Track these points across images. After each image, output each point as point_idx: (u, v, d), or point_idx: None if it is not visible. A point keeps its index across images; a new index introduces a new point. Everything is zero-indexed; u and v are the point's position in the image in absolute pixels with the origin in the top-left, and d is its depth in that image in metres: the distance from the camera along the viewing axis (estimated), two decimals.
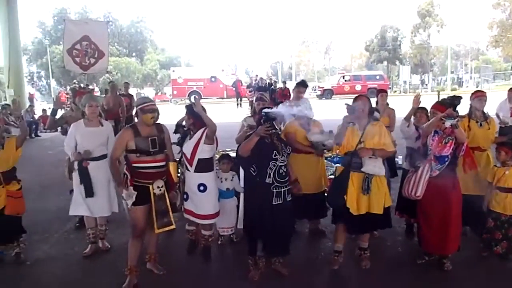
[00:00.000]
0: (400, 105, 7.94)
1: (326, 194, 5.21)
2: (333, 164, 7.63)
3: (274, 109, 4.18)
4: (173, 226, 4.34)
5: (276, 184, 4.11)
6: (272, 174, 4.09)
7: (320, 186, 5.37)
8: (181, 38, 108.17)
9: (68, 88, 26.02)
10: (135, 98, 11.51)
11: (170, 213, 4.27)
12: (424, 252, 4.66)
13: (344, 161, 4.48)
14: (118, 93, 10.93)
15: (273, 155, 4.10)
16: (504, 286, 4.34)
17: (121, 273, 4.33)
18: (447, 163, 4.30)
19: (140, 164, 4.12)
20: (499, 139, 5.31)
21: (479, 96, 5.13)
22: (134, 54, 56.94)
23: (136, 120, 4.40)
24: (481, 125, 5.09)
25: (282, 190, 4.15)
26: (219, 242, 5.32)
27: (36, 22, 52.78)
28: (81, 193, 4.93)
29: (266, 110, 4.17)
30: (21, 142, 4.89)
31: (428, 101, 5.48)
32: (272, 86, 23.30)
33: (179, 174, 5.39)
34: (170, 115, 9.07)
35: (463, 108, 4.87)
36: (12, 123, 12.70)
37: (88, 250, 5.13)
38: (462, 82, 51.27)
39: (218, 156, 5.47)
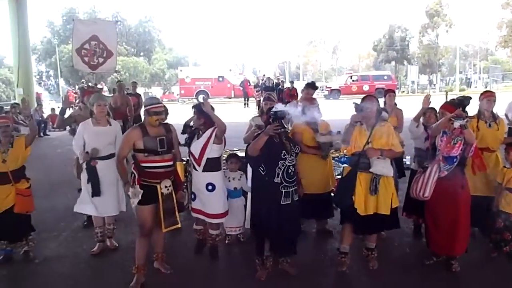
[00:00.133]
0: (408, 105, 7.91)
1: (332, 194, 5.20)
2: (340, 164, 7.61)
3: (283, 106, 4.18)
4: (179, 225, 4.36)
5: (285, 183, 4.11)
6: (280, 173, 4.09)
7: (327, 186, 5.36)
8: (189, 37, 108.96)
9: (77, 87, 26.11)
10: (143, 98, 11.55)
11: (177, 212, 4.29)
12: (432, 253, 4.64)
13: (351, 161, 4.47)
14: (126, 93, 10.97)
15: (282, 154, 4.10)
16: None
17: (129, 272, 4.35)
18: (455, 163, 4.27)
19: (148, 163, 4.14)
20: (508, 140, 5.29)
21: (488, 96, 5.09)
22: (142, 53, 57.13)
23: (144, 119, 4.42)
24: (490, 125, 5.04)
25: (291, 190, 4.15)
26: (226, 242, 5.32)
27: (45, 22, 53.07)
28: (88, 192, 4.96)
29: (274, 109, 4.17)
30: (30, 141, 4.93)
31: (436, 102, 5.46)
32: (280, 86, 23.28)
33: (187, 174, 5.41)
34: (178, 114, 9.09)
35: (472, 109, 4.84)
36: (22, 122, 12.85)
37: (96, 248, 5.16)
38: (471, 82, 50.96)
39: (225, 155, 5.48)
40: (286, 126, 4.29)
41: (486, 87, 38.50)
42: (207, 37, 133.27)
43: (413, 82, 43.29)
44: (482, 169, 4.71)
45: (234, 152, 6.16)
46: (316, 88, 6.12)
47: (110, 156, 4.92)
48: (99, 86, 11.52)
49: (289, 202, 4.14)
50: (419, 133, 5.28)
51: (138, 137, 4.13)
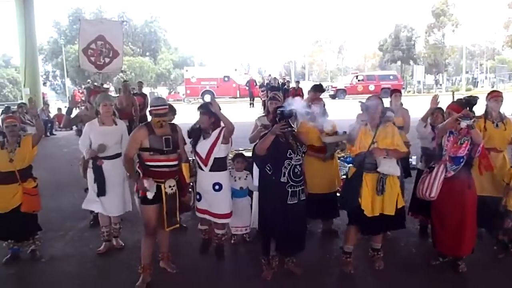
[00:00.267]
0: (414, 105, 7.87)
1: (338, 195, 5.19)
2: (346, 164, 7.60)
3: (289, 103, 4.16)
4: (177, 226, 4.40)
5: (291, 183, 4.10)
6: (287, 173, 4.08)
7: (333, 186, 5.35)
8: (195, 37, 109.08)
9: (83, 87, 26.17)
10: (149, 97, 11.57)
11: (177, 212, 4.31)
12: (438, 253, 4.61)
13: (356, 162, 4.45)
14: (132, 93, 10.99)
15: (288, 154, 4.09)
16: None
17: (135, 271, 4.37)
18: (462, 164, 4.25)
19: (153, 162, 4.15)
20: None
21: (495, 96, 5.05)
22: (147, 53, 57.26)
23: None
24: (497, 125, 5.01)
25: (297, 189, 4.14)
26: (232, 241, 5.32)
27: (51, 22, 53.37)
28: (94, 191, 4.98)
29: (281, 108, 4.16)
30: (37, 140, 4.95)
31: (442, 101, 5.43)
32: (285, 86, 23.25)
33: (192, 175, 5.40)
34: (183, 114, 9.09)
35: (479, 109, 4.82)
36: (28, 121, 12.91)
37: (102, 248, 5.18)
38: (477, 82, 50.70)
39: (231, 155, 5.48)
40: (292, 125, 4.27)
41: (492, 87, 38.27)
42: (213, 37, 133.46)
43: (419, 82, 43.09)
44: (489, 169, 4.68)
45: (240, 151, 6.16)
46: (323, 90, 6.09)
47: (116, 156, 4.94)
48: (105, 86, 11.51)
49: (295, 201, 4.13)
50: (427, 133, 5.25)
51: (144, 136, 4.14)
